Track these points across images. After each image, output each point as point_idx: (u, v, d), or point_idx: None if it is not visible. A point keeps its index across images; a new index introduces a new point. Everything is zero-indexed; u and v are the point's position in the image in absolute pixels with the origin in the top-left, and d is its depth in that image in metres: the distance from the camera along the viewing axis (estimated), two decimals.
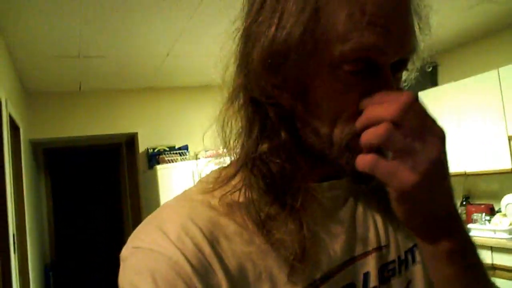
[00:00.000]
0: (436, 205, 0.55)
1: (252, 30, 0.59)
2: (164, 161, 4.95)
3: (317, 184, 0.64)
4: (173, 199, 0.63)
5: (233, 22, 0.62)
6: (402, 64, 0.58)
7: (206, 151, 5.10)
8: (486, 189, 4.42)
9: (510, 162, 3.88)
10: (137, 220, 5.56)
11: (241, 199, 0.60)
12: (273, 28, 0.56)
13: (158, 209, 0.62)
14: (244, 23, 0.61)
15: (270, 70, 0.58)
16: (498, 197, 4.15)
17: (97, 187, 7.62)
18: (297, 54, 0.55)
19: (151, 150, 5.25)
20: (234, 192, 0.60)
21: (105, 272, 7.06)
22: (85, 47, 3.73)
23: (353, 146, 0.57)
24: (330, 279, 0.61)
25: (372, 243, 0.67)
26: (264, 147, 0.60)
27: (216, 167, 0.67)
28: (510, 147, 3.88)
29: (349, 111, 0.56)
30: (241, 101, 0.62)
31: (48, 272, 5.62)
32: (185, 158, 5.07)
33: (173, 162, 4.93)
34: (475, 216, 4.09)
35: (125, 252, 0.58)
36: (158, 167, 4.79)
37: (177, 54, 4.22)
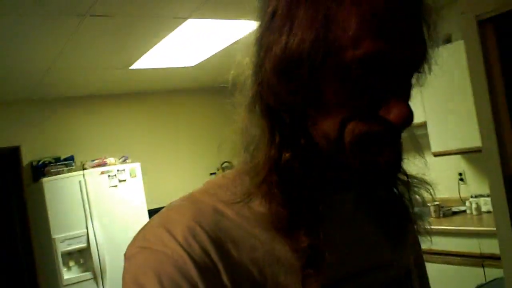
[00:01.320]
0: None
1: (264, 39, 0.59)
2: (50, 173, 4.91)
3: (332, 196, 0.66)
4: (179, 200, 0.64)
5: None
6: (415, 67, 0.59)
7: (92, 160, 5.18)
8: None
9: None
10: (26, 235, 5.48)
11: (261, 209, 0.60)
12: (284, 36, 0.56)
13: (163, 210, 0.62)
14: (257, 33, 0.61)
15: (284, 77, 0.58)
16: None
17: None
18: (309, 61, 0.55)
19: (36, 163, 5.18)
20: (251, 200, 0.61)
21: None
22: None
23: (365, 146, 0.58)
24: None
25: (380, 259, 0.69)
26: (287, 155, 0.60)
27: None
28: None
29: (361, 112, 0.57)
30: (258, 110, 0.62)
31: None
32: (72, 169, 5.08)
33: (59, 173, 4.91)
34: None
35: (130, 250, 0.58)
36: (44, 179, 4.75)
37: (59, 68, 4.30)
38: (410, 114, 0.56)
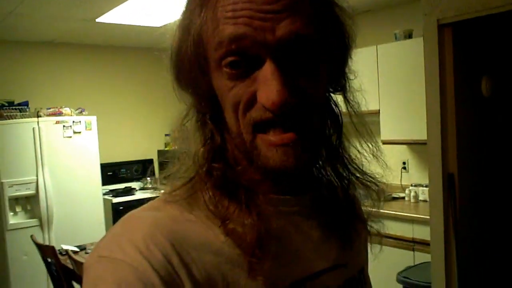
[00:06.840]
0: None
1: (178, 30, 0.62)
2: (3, 117, 4.81)
3: (277, 197, 0.65)
4: (138, 209, 0.63)
5: None
6: (300, 52, 0.57)
7: (48, 108, 5.11)
8: None
9: None
10: None
11: (200, 201, 0.61)
12: (176, 41, 0.61)
13: (122, 220, 0.60)
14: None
15: (180, 80, 0.61)
16: None
17: None
18: (191, 61, 0.59)
19: None
20: (192, 194, 0.62)
21: None
22: None
23: (257, 143, 0.59)
24: None
25: (333, 260, 0.69)
26: (201, 151, 0.62)
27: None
28: None
29: (242, 105, 0.58)
30: (190, 113, 0.65)
31: None
32: (25, 114, 4.99)
33: (12, 118, 4.82)
34: None
35: (89, 260, 0.56)
36: None
37: (20, 13, 4.18)
38: (278, 96, 0.54)
